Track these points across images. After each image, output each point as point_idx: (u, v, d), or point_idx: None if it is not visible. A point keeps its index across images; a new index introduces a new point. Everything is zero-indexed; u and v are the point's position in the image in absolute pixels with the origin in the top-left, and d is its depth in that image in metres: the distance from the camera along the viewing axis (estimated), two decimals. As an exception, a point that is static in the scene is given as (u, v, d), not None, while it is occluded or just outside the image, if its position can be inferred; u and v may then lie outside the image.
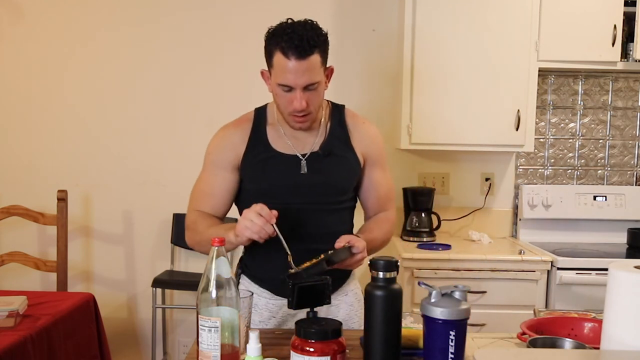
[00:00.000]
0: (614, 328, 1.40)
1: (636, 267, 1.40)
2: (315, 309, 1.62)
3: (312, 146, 2.07)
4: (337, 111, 2.16)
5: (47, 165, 3.99)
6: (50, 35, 3.95)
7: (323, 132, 2.10)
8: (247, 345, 1.46)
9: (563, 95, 3.86)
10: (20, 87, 3.99)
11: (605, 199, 3.75)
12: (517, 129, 3.45)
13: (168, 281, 3.89)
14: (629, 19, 3.43)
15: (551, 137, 3.88)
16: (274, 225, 1.79)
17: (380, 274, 1.51)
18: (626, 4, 3.40)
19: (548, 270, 3.25)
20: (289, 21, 1.95)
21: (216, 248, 1.51)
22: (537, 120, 3.79)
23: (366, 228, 2.13)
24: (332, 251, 1.79)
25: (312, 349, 1.41)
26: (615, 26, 3.39)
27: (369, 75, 3.85)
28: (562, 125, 3.88)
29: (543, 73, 3.70)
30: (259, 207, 1.80)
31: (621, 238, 3.71)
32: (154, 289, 3.81)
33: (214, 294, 1.49)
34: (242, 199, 2.12)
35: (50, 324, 2.58)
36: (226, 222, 2.09)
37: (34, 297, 2.77)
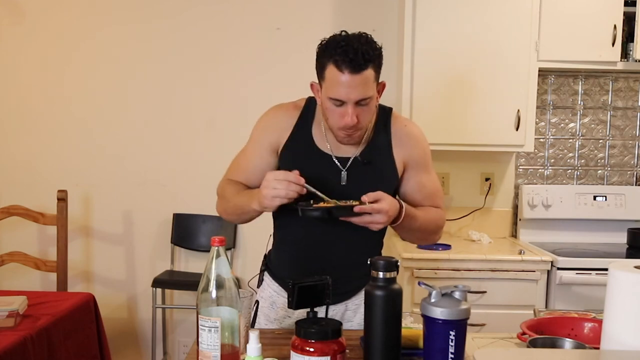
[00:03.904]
0: (614, 328, 1.40)
1: (636, 267, 1.40)
2: (316, 309, 1.62)
3: (354, 151, 2.03)
4: (384, 115, 2.10)
5: (47, 165, 4.01)
6: (50, 36, 3.96)
7: (367, 138, 2.05)
8: (247, 345, 1.46)
9: (563, 95, 3.86)
10: (20, 87, 4.00)
11: (605, 199, 3.75)
12: (517, 129, 3.45)
13: (168, 281, 3.91)
14: (629, 19, 3.43)
15: (551, 137, 3.89)
16: (306, 186, 1.82)
17: (380, 274, 1.50)
18: (626, 4, 3.40)
19: (548, 270, 3.25)
20: (343, 33, 1.88)
21: (216, 248, 1.51)
22: (537, 120, 3.79)
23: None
24: (341, 203, 1.84)
25: (312, 349, 1.41)
26: (615, 26, 3.40)
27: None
28: (562, 125, 3.89)
29: (543, 73, 3.70)
30: (279, 175, 1.83)
31: (621, 238, 3.72)
32: (154, 289, 3.83)
33: (214, 294, 1.49)
34: None
35: (50, 324, 2.59)
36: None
37: (34, 297, 2.78)
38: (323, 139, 2.03)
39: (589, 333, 1.78)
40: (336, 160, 2.02)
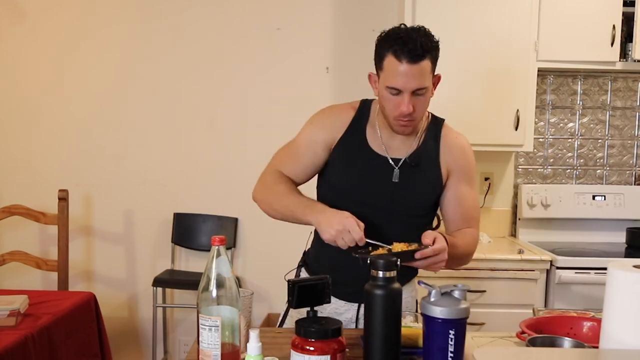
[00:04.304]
0: (613, 327, 1.40)
1: (635, 266, 1.40)
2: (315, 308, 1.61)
3: (404, 154, 2.07)
4: (435, 124, 2.15)
5: (48, 165, 4.02)
6: (51, 36, 3.97)
7: (417, 142, 2.09)
8: (248, 344, 1.46)
9: (562, 95, 3.88)
10: (21, 87, 4.01)
11: (604, 199, 3.76)
12: (516, 129, 3.46)
13: (168, 280, 3.92)
14: (627, 19, 3.45)
15: (550, 136, 3.90)
16: (369, 240, 1.83)
17: (380, 273, 1.50)
18: (625, 4, 3.41)
19: (547, 270, 3.27)
20: (402, 26, 1.95)
21: (217, 247, 1.51)
22: (536, 120, 3.80)
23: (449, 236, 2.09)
24: (400, 248, 1.83)
25: (312, 348, 1.41)
26: (614, 26, 3.41)
27: (369, 76, 3.87)
28: (561, 125, 3.90)
29: (542, 73, 3.71)
30: (349, 225, 1.83)
31: (620, 237, 3.73)
32: (155, 288, 3.83)
33: (214, 293, 1.50)
34: (323, 189, 2.17)
35: (51, 323, 2.59)
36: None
37: (35, 296, 2.77)
38: (376, 140, 2.08)
39: (588, 332, 1.79)
40: (390, 160, 2.05)
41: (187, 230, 4.02)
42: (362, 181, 2.04)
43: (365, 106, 2.13)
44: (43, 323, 2.54)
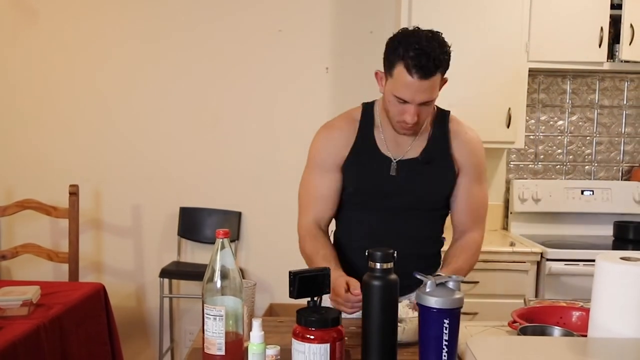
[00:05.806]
0: (600, 316, 1.43)
1: (622, 258, 1.43)
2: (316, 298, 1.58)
3: (413, 151, 2.02)
4: (442, 116, 2.07)
5: (59, 161, 4.05)
6: (62, 36, 4.01)
7: (425, 138, 2.03)
8: (251, 333, 1.49)
9: (552, 94, 3.91)
10: (33, 86, 4.05)
11: (593, 194, 3.80)
12: (508, 127, 3.50)
13: (175, 271, 3.94)
14: (615, 21, 3.48)
15: (541, 134, 3.94)
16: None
17: (378, 265, 1.52)
18: (612, 7, 3.45)
19: (538, 262, 3.31)
20: (416, 32, 1.84)
21: (221, 240, 1.53)
22: (527, 118, 3.84)
23: (452, 254, 2.04)
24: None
25: (312, 337, 1.43)
26: (601, 28, 3.45)
27: (367, 76, 3.91)
28: (551, 122, 3.94)
29: (533, 73, 3.74)
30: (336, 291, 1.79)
31: (607, 231, 3.76)
32: (161, 279, 3.86)
33: (218, 284, 1.52)
34: (341, 200, 2.11)
35: (62, 313, 2.61)
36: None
37: (46, 287, 2.80)
38: (382, 141, 2.03)
39: (577, 321, 1.82)
40: (395, 161, 2.02)
41: (192, 223, 4.04)
42: (372, 180, 2.01)
43: (367, 112, 2.06)
44: (54, 313, 2.56)
